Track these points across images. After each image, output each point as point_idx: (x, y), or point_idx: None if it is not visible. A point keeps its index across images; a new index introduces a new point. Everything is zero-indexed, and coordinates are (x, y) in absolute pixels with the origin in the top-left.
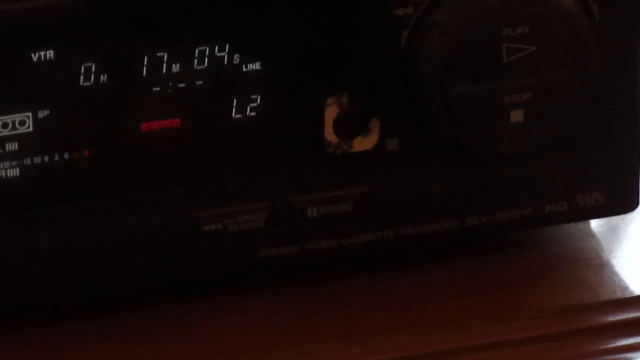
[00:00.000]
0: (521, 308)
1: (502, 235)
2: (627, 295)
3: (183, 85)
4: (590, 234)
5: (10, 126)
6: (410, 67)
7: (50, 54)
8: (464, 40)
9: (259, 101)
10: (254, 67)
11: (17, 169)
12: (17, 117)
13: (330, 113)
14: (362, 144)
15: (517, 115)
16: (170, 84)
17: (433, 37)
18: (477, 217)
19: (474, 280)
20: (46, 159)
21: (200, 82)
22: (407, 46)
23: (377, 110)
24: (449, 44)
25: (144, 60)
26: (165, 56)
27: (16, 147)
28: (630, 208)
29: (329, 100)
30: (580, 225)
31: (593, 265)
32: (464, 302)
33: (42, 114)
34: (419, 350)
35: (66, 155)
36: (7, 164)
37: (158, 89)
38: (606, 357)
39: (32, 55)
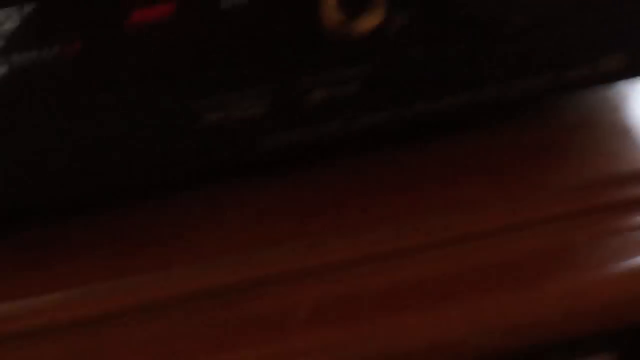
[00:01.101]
0: (543, 184)
1: (520, 105)
2: None
3: None
4: (611, 99)
5: None
6: None
7: None
8: None
9: None
10: None
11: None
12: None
13: None
14: (369, 20)
15: None
16: None
17: None
18: (494, 88)
19: (493, 156)
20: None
21: None
22: None
23: None
24: None
25: None
26: None
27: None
28: None
29: None
30: (601, 90)
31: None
32: (483, 180)
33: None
34: (438, 234)
35: (57, 49)
36: None
37: None
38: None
39: None
